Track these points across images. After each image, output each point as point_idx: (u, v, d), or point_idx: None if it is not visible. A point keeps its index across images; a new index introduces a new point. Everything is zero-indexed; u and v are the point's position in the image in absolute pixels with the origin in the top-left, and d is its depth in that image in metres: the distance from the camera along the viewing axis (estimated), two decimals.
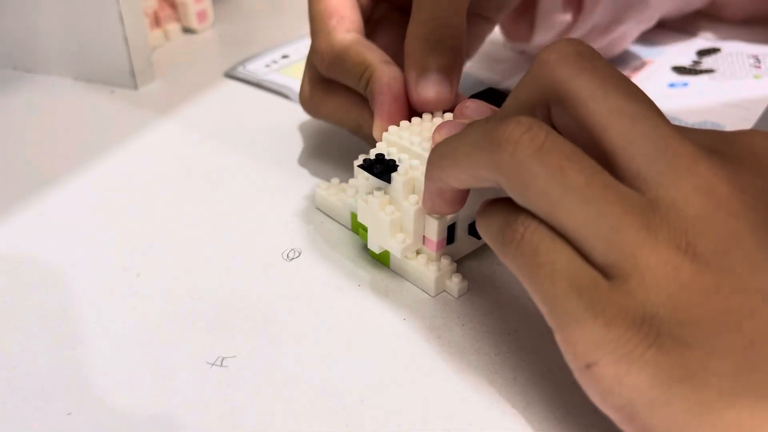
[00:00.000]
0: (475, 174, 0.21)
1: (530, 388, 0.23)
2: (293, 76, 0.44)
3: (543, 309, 0.20)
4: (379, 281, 0.28)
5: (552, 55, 0.21)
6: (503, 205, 0.22)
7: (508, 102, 0.23)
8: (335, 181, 0.32)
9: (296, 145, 0.37)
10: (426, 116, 0.28)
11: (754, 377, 0.17)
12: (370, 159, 0.27)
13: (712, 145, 0.20)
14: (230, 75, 0.45)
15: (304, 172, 0.35)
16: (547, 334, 0.25)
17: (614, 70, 0.21)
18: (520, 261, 0.20)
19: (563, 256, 0.19)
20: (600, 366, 0.18)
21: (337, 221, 0.31)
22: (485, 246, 0.29)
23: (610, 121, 0.19)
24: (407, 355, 0.25)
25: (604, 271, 0.19)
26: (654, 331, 0.18)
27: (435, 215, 0.26)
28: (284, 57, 0.46)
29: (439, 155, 0.23)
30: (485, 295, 0.27)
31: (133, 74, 0.42)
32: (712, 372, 0.17)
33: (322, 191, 0.31)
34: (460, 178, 0.22)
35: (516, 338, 0.25)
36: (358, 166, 0.27)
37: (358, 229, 0.29)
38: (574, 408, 0.22)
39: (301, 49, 0.47)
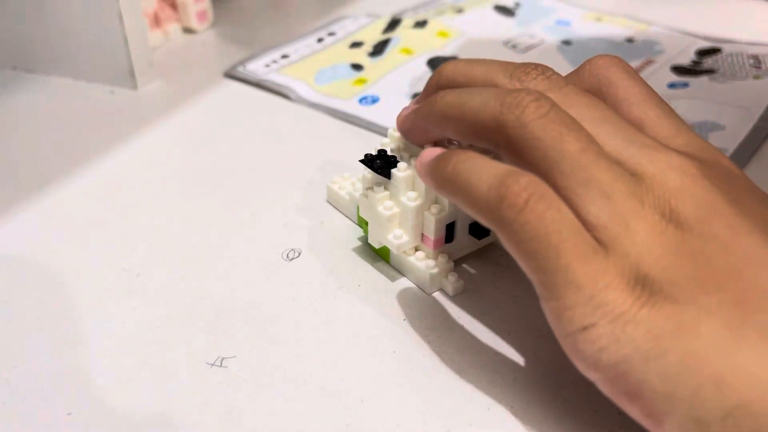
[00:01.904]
0: (476, 129, 0.22)
1: (530, 388, 0.23)
2: (293, 76, 0.44)
3: (537, 276, 0.20)
4: (379, 281, 0.28)
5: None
6: (484, 158, 0.22)
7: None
8: (347, 175, 0.32)
9: (296, 145, 0.37)
10: None
11: (745, 331, 0.18)
12: (371, 154, 0.27)
13: (683, 146, 0.22)
14: (230, 75, 0.45)
15: (304, 172, 0.35)
16: (547, 334, 0.25)
17: (578, 90, 0.23)
18: (520, 227, 0.20)
19: (569, 226, 0.20)
20: (597, 327, 0.19)
21: (346, 216, 0.31)
22: (485, 246, 0.29)
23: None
24: (407, 355, 0.25)
25: (595, 234, 0.20)
26: (647, 291, 0.19)
27: (434, 213, 0.26)
28: (284, 57, 0.46)
29: (446, 103, 0.24)
30: (485, 295, 0.27)
31: (133, 74, 0.42)
32: (703, 325, 0.18)
33: (332, 185, 0.32)
34: (459, 129, 0.23)
35: (516, 338, 0.25)
36: (360, 161, 0.28)
37: (362, 223, 0.29)
38: (574, 408, 0.22)
39: (300, 49, 0.47)
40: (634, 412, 0.19)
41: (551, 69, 0.24)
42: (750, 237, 0.19)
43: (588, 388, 0.23)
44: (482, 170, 0.21)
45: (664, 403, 0.18)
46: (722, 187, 0.20)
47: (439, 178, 0.23)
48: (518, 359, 0.24)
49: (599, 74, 0.24)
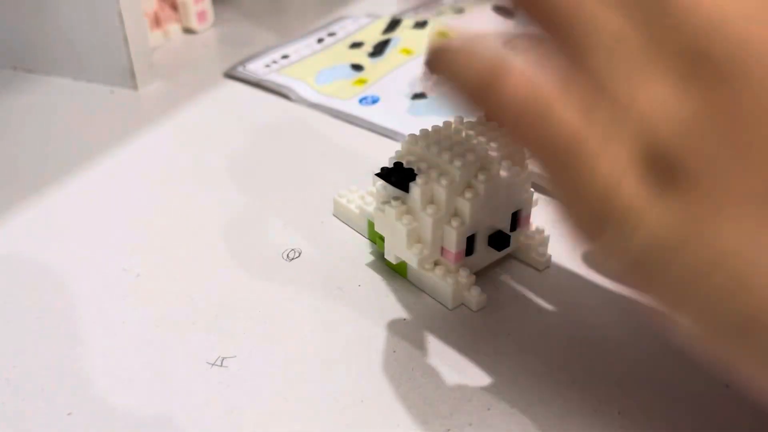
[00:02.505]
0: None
1: (530, 388, 0.23)
2: (293, 76, 0.44)
3: (552, 183, 0.19)
4: (379, 281, 0.28)
5: None
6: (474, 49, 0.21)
7: None
8: (353, 188, 0.31)
9: (296, 145, 0.37)
10: (446, 125, 0.27)
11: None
12: (387, 167, 0.26)
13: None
14: (230, 75, 0.45)
15: (304, 172, 0.35)
16: (547, 334, 0.25)
17: None
18: (523, 133, 0.19)
19: (574, 124, 0.18)
20: (614, 220, 0.17)
21: (354, 230, 0.31)
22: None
23: None
24: (407, 354, 0.25)
25: (607, 105, 0.17)
26: (664, 176, 0.17)
27: (455, 227, 0.25)
28: (284, 57, 0.46)
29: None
30: (485, 295, 0.27)
31: (133, 74, 0.42)
32: (727, 216, 0.16)
33: (340, 199, 0.31)
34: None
35: (516, 339, 0.25)
36: (376, 174, 0.26)
37: (375, 238, 0.28)
38: (574, 408, 0.22)
39: (301, 49, 0.47)
40: (648, 302, 0.18)
41: None
42: None
43: (588, 388, 0.23)
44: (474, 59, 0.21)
45: (679, 297, 0.17)
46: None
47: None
48: (518, 359, 0.24)
49: None
